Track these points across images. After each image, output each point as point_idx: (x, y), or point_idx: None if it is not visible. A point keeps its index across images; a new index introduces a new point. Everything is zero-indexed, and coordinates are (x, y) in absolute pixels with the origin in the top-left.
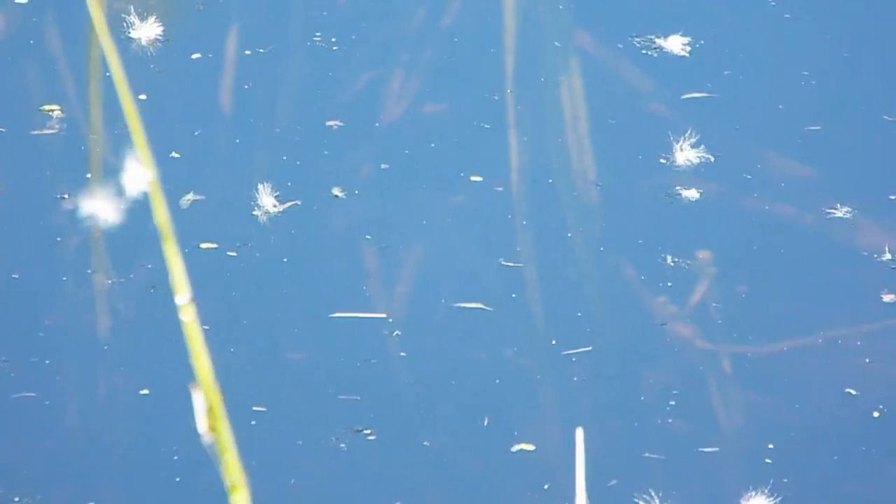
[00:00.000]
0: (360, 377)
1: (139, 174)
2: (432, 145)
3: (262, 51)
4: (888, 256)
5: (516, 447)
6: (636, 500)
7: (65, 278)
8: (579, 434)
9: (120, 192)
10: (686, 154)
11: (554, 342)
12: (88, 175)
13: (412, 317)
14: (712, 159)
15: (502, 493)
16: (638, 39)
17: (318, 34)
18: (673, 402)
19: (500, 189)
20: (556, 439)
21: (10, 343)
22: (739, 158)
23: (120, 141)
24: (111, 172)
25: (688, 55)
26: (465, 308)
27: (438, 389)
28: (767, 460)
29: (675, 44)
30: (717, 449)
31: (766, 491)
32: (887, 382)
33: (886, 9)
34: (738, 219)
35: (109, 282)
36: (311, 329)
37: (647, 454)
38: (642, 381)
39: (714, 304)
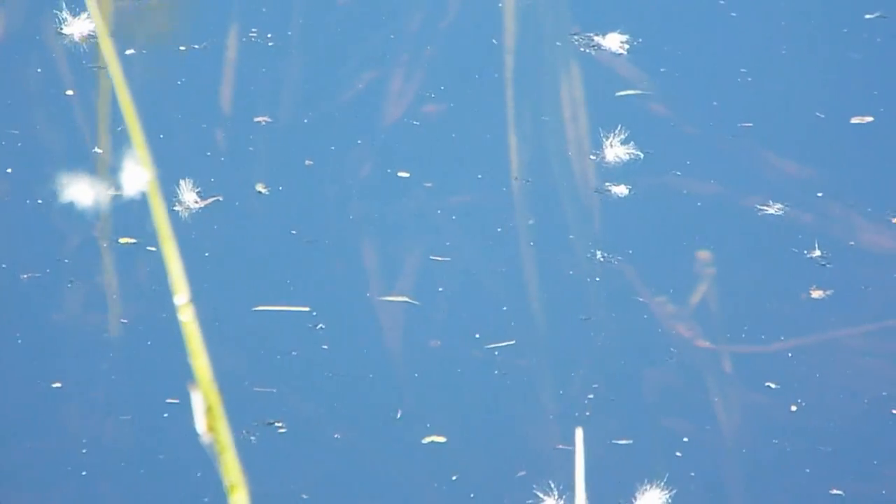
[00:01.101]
0: (279, 370)
1: (138, 174)
2: (359, 142)
3: (196, 47)
4: (817, 253)
5: (427, 439)
6: (535, 492)
7: (66, 276)
8: (579, 434)
9: (117, 191)
10: (616, 151)
11: (477, 336)
12: (89, 173)
13: (336, 310)
14: (641, 156)
15: (409, 485)
16: (577, 37)
17: (254, 30)
18: (591, 397)
19: (430, 185)
20: (467, 432)
21: (10, 342)
22: (670, 155)
23: (120, 140)
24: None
25: (626, 53)
26: (390, 302)
27: (356, 382)
28: (678, 454)
29: (614, 41)
30: (630, 441)
31: (660, 484)
32: (802, 377)
33: (824, 8)
34: (669, 215)
35: (110, 281)
36: (233, 323)
37: (559, 445)
38: (567, 375)
39: (639, 300)
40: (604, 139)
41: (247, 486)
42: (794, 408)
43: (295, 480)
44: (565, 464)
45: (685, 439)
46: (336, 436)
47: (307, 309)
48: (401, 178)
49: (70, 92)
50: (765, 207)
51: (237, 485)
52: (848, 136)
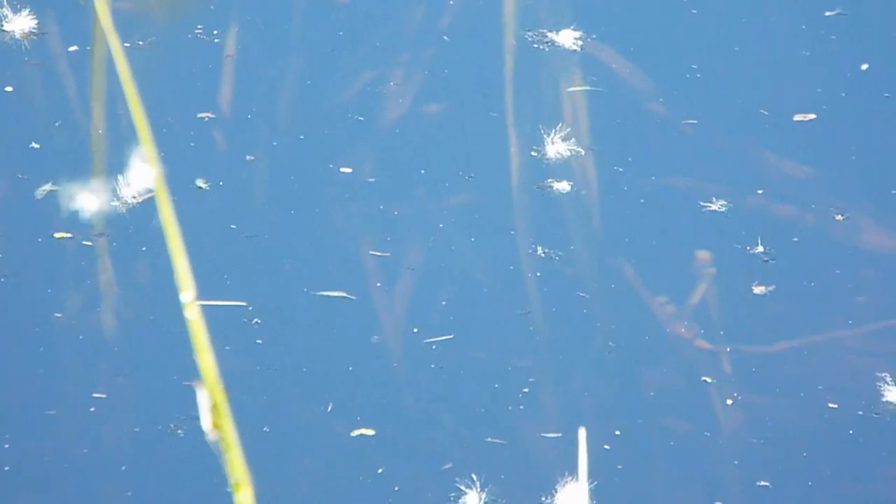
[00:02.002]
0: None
1: (144, 171)
2: (301, 137)
3: (140, 43)
4: (760, 249)
5: (356, 432)
6: (457, 485)
7: (67, 277)
8: (582, 433)
9: (124, 188)
10: (557, 147)
11: (416, 330)
12: (90, 172)
13: (273, 305)
14: (583, 152)
15: (336, 477)
16: (530, 33)
17: (199, 27)
18: (526, 390)
19: (373, 180)
20: (397, 425)
21: (10, 342)
22: (613, 152)
23: (125, 138)
24: (114, 169)
25: (579, 49)
26: (327, 297)
27: (288, 376)
28: (606, 446)
29: (567, 38)
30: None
31: (576, 477)
32: (740, 369)
33: (786, 5)
34: (612, 211)
35: (113, 279)
36: (169, 317)
37: (488, 439)
38: (503, 367)
39: (582, 294)
40: (545, 136)
41: (251, 484)
42: (729, 401)
43: (222, 473)
44: (492, 457)
45: (617, 432)
46: (265, 429)
47: (244, 304)
48: (343, 173)
49: (9, 88)
50: (708, 204)
51: (242, 482)
52: (790, 133)
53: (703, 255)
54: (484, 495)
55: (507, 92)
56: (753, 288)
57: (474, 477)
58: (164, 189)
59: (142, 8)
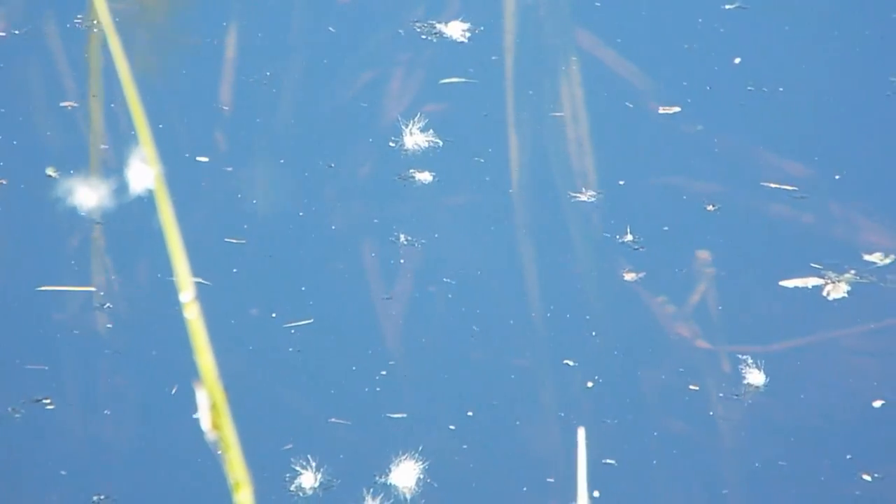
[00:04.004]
0: (58, 348)
1: (144, 170)
2: (161, 126)
3: (3, 34)
4: (629, 238)
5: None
6: (293, 466)
7: (67, 277)
8: (581, 433)
9: (123, 188)
10: (415, 138)
11: (274, 315)
12: (89, 172)
13: (123, 290)
14: (441, 143)
15: (176, 458)
16: (418, 24)
17: (79, 16)
18: (383, 373)
19: (230, 169)
20: (240, 406)
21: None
22: (475, 142)
23: (123, 137)
24: (113, 169)
25: (467, 41)
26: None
27: (135, 358)
28: (451, 426)
29: (456, 29)
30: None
31: (415, 455)
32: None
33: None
34: (475, 202)
35: (112, 278)
36: (14, 301)
37: (332, 419)
38: (364, 352)
39: (446, 280)
40: (403, 127)
41: (251, 485)
42: (590, 384)
43: (59, 456)
44: (337, 437)
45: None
46: (106, 412)
47: (92, 289)
48: (200, 162)
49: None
50: (577, 195)
51: (242, 482)
52: (655, 124)
53: (703, 254)
54: (320, 475)
55: (395, 83)
56: (625, 275)
57: (310, 458)
58: (164, 188)
59: (140, 8)
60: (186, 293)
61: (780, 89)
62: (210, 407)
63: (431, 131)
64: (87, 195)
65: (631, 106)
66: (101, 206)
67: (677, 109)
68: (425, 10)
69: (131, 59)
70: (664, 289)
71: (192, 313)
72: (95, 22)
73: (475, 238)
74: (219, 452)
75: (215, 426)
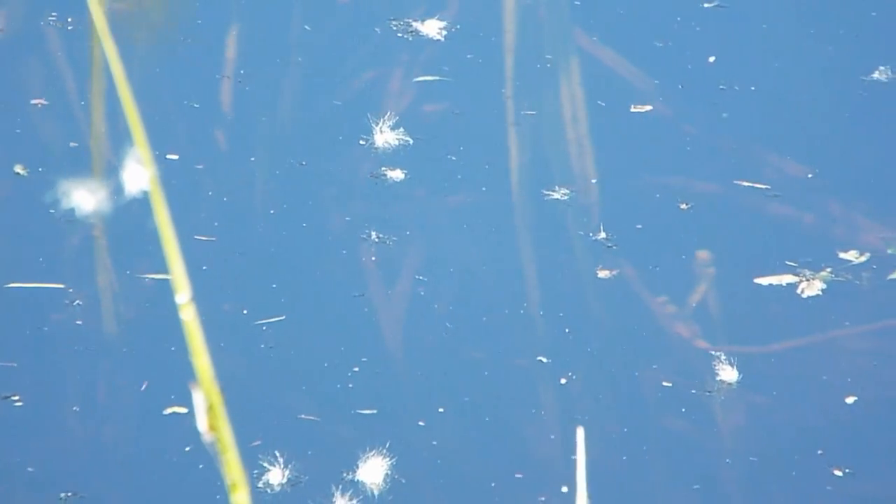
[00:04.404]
0: (27, 345)
1: (139, 172)
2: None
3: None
4: (603, 235)
5: (168, 410)
6: (261, 462)
7: (65, 277)
8: (580, 433)
9: (119, 190)
10: (385, 136)
11: (245, 311)
12: (89, 173)
13: (93, 287)
14: (411, 142)
15: (146, 455)
16: (395, 22)
17: (54, 14)
18: (356, 369)
19: (201, 167)
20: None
21: (10, 344)
22: (443, 141)
23: (120, 139)
24: (111, 171)
25: (443, 39)
26: (148, 278)
27: (105, 355)
28: (420, 422)
29: (432, 28)
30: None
31: (382, 451)
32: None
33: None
34: (444, 200)
35: (110, 280)
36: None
37: (302, 415)
38: (338, 349)
39: (418, 277)
40: (373, 125)
41: (248, 486)
42: (563, 380)
43: (27, 454)
44: (304, 433)
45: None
46: (75, 408)
47: (62, 286)
48: (170, 160)
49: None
50: (551, 193)
51: (239, 483)
52: (627, 122)
53: (703, 254)
54: (288, 472)
55: (365, 80)
56: (598, 272)
57: (278, 454)
58: (159, 190)
59: (139, 8)
60: (182, 294)
61: (752, 88)
62: (207, 409)
63: (402, 129)
64: (84, 197)
65: (603, 104)
66: (99, 209)
67: (649, 108)
68: (403, 8)
69: (107, 56)
70: (639, 286)
71: (189, 315)
72: (70, 19)
73: (447, 235)
74: (215, 454)
75: (212, 428)
